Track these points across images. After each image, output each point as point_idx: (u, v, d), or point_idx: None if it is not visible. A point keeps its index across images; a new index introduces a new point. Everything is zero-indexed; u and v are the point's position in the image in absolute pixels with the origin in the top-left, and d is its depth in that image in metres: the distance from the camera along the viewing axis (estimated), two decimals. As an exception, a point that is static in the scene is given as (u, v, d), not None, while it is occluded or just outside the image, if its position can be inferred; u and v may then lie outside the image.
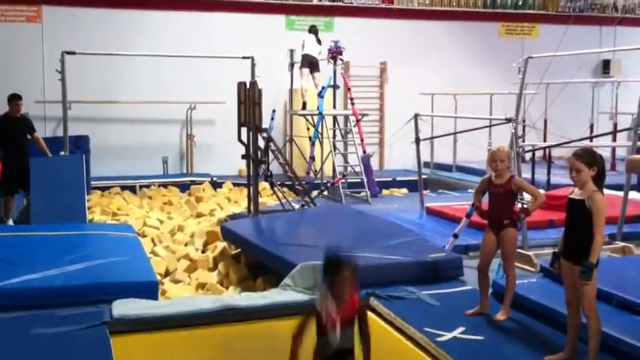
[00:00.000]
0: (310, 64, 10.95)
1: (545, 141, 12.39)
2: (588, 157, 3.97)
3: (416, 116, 8.77)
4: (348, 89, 11.42)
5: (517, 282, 4.95)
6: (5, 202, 8.91)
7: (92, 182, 11.02)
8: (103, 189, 11.28)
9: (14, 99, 8.95)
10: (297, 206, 8.84)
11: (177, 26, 12.60)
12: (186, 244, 8.24)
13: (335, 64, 11.01)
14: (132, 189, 11.50)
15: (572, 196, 4.02)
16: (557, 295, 4.54)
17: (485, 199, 5.11)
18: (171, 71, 12.34)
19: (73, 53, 9.69)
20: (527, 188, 5.06)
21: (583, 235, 3.88)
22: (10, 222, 8.66)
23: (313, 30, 11.29)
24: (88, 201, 9.22)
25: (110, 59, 11.44)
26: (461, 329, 4.63)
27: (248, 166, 8.79)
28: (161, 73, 12.37)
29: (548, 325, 4.66)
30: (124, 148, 12.43)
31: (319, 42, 11.11)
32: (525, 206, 5.38)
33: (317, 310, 3.46)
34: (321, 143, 11.16)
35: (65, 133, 9.90)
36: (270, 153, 8.67)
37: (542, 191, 7.64)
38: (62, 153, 9.62)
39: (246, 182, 9.27)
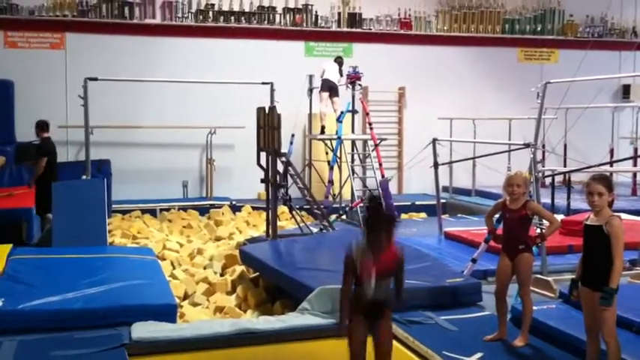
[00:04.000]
0: (330, 88, 11.04)
1: (565, 166, 12.31)
2: (608, 182, 3.98)
3: (434, 141, 8.77)
4: (367, 114, 11.47)
5: (536, 308, 4.92)
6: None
7: (113, 206, 11.18)
8: (124, 212, 11.40)
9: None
10: (315, 230, 8.86)
11: (197, 52, 12.76)
12: (205, 268, 8.28)
13: (354, 89, 11.09)
14: (152, 212, 11.59)
15: (587, 223, 4.01)
16: (576, 322, 4.50)
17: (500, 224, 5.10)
18: (191, 96, 12.49)
19: (96, 79, 9.87)
20: (542, 213, 5.04)
21: (602, 260, 3.87)
22: None
23: (338, 60, 11.40)
24: (108, 224, 9.31)
25: (131, 85, 11.63)
26: (479, 355, 4.60)
27: (267, 190, 8.84)
28: (181, 99, 12.53)
29: (567, 351, 4.61)
30: (144, 172, 12.56)
31: (341, 73, 11.22)
32: (543, 231, 5.36)
33: (354, 260, 3.64)
34: (340, 167, 11.20)
35: (87, 158, 10.06)
36: (289, 177, 8.72)
37: (562, 216, 7.64)
38: (84, 177, 9.76)
39: (265, 206, 9.32)
